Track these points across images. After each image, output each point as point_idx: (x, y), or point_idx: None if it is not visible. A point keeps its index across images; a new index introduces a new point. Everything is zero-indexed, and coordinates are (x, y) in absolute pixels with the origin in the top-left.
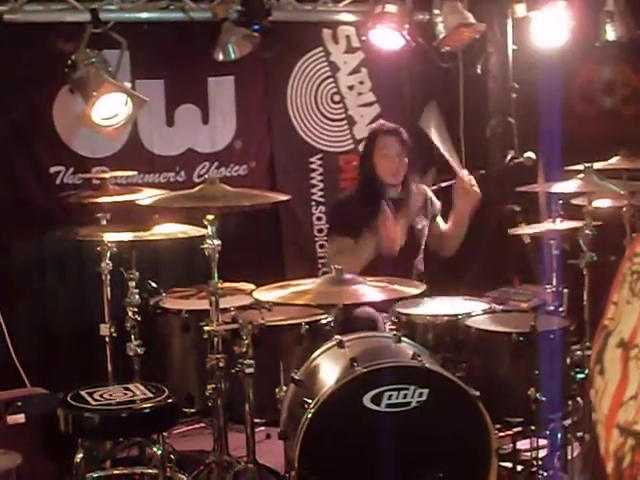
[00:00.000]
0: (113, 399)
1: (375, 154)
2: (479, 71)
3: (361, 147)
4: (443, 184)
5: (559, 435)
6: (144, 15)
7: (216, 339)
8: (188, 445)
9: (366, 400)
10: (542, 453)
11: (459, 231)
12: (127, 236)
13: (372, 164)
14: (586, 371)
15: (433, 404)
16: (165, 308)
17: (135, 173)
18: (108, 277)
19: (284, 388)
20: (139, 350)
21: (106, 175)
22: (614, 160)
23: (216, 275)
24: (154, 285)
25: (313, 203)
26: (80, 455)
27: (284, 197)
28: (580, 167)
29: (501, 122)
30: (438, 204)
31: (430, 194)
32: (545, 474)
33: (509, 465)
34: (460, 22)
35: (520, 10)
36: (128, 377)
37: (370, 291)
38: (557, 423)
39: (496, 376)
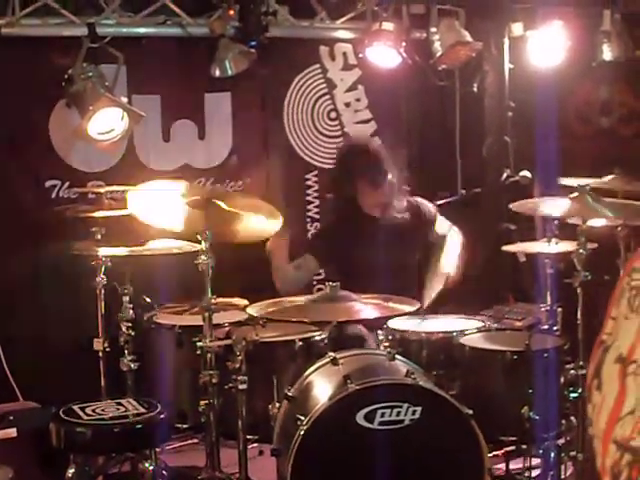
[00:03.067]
0: (105, 414)
1: (357, 182)
2: (475, 89)
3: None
4: (439, 202)
5: (552, 454)
6: (141, 30)
7: (209, 355)
8: (180, 461)
9: (359, 417)
10: (535, 472)
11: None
12: (122, 251)
13: (354, 191)
14: (580, 390)
15: (426, 422)
16: (159, 323)
17: (130, 188)
18: (102, 291)
19: (277, 404)
20: (132, 365)
21: (102, 189)
22: (609, 179)
23: (210, 291)
24: (148, 300)
25: (308, 220)
26: (72, 470)
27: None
28: (575, 184)
29: (497, 141)
30: (431, 211)
31: (420, 204)
32: None
33: None
34: (457, 40)
35: (517, 29)
36: (121, 392)
37: (364, 308)
38: (550, 442)
39: (490, 394)
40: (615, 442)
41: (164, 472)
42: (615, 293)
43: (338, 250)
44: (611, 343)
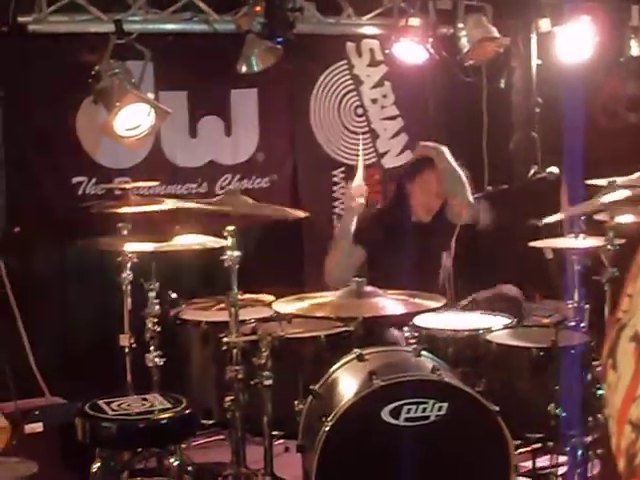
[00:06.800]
0: (131, 409)
1: (415, 183)
2: (503, 85)
3: (384, 161)
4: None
5: (579, 452)
6: (168, 26)
7: (235, 351)
8: (206, 457)
9: (384, 414)
10: (562, 470)
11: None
12: (148, 247)
13: (407, 191)
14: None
15: (452, 418)
16: (185, 319)
17: (157, 184)
18: (128, 287)
19: (303, 401)
20: (158, 361)
21: (128, 186)
22: (637, 175)
23: (236, 286)
24: (174, 296)
25: (335, 216)
26: (97, 465)
27: (302, 214)
28: (603, 182)
29: (524, 137)
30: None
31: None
32: None
33: None
34: (484, 36)
35: (544, 25)
36: (147, 388)
37: (390, 304)
38: (577, 439)
39: (516, 391)
40: (630, 423)
41: (189, 468)
42: (631, 271)
43: (373, 243)
44: (627, 321)
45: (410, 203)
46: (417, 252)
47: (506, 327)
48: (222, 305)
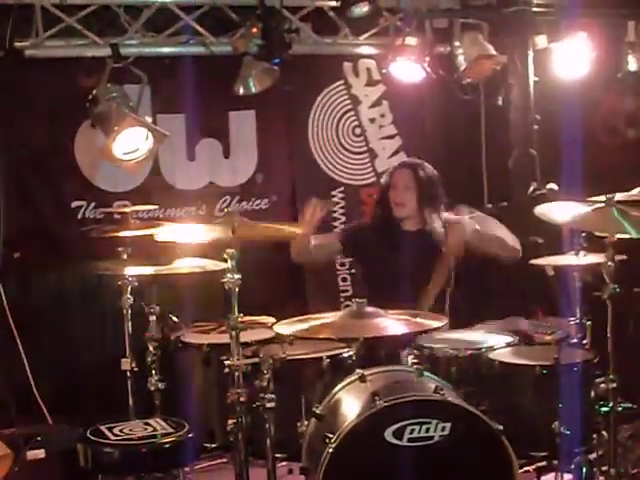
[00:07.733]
0: (133, 434)
1: (390, 186)
2: (500, 103)
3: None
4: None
5: (584, 469)
6: (165, 50)
7: (237, 373)
8: None
9: (388, 434)
10: None
11: None
12: (148, 270)
13: (387, 196)
14: (610, 404)
15: (456, 438)
16: (186, 342)
17: (156, 207)
18: (129, 311)
19: (305, 422)
20: (160, 385)
21: (127, 209)
22: (636, 191)
23: (236, 309)
24: (175, 319)
25: None
26: None
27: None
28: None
29: (523, 154)
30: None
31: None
32: None
33: None
34: (481, 54)
35: (541, 41)
36: (149, 412)
37: (391, 324)
38: (582, 457)
39: (519, 409)
40: None
41: None
42: None
43: (365, 251)
44: None
45: (390, 208)
46: (405, 260)
47: (508, 345)
48: (223, 328)
